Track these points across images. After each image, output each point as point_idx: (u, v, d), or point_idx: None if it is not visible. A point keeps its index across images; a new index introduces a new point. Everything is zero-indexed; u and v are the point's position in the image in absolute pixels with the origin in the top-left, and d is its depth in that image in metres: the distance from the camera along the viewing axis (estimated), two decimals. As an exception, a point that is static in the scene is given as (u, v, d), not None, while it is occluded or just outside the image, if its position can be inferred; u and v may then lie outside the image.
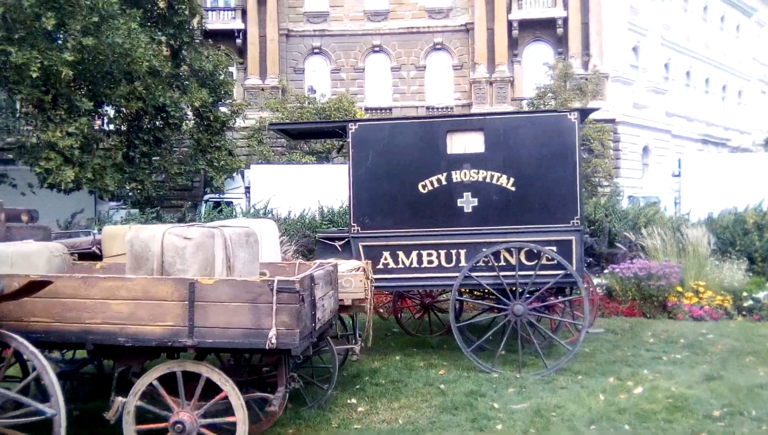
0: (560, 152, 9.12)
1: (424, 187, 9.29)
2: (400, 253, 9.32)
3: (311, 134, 10.79)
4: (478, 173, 9.24)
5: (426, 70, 41.13)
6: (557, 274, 8.95)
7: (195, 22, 25.51)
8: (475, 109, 39.00)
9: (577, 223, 9.05)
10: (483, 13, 39.59)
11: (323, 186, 22.07)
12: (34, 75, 16.63)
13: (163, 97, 22.20)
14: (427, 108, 40.64)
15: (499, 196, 9.21)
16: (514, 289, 9.03)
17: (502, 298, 9.19)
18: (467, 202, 9.24)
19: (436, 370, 9.11)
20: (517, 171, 9.18)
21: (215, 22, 40.83)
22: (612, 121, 36.00)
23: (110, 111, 22.21)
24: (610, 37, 38.37)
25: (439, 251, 9.28)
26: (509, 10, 39.30)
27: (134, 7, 22.75)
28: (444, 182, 9.27)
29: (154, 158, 23.93)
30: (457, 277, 9.09)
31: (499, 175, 9.20)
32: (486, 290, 10.03)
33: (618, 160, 36.68)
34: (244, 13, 40.73)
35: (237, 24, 40.69)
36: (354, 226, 9.38)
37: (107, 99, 20.12)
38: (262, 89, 39.20)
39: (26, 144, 18.30)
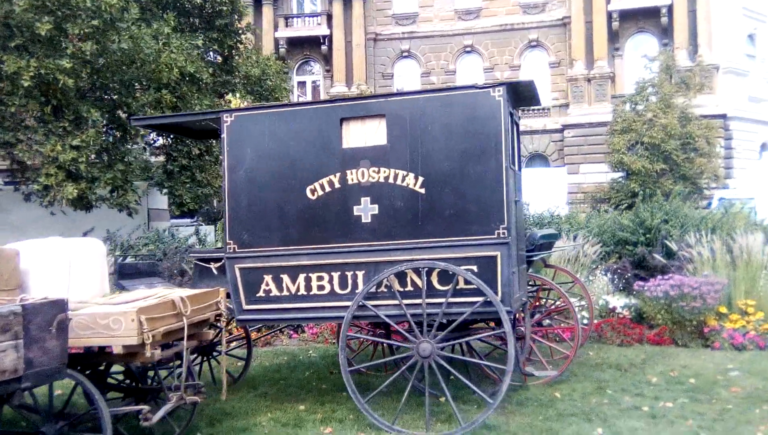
0: (482, 141, 6.91)
1: (313, 191, 7.27)
2: (285, 277, 7.32)
3: (184, 131, 8.97)
4: (378, 172, 7.14)
5: (520, 69, 38.54)
6: (476, 302, 6.72)
7: (243, 24, 24.17)
8: (572, 111, 36.12)
9: (503, 233, 6.79)
10: (581, 5, 36.66)
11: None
12: (26, 84, 15.60)
13: (200, 105, 20.95)
14: (522, 110, 37.97)
15: (404, 201, 7.08)
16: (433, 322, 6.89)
17: (406, 334, 7.06)
18: (365, 210, 7.15)
19: (324, 427, 7.05)
20: (428, 168, 7.03)
21: (300, 29, 39.94)
22: (723, 116, 32.33)
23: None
24: (722, 25, 34.52)
25: (332, 274, 7.23)
26: (609, 0, 36.16)
27: (168, 10, 21.78)
28: (337, 185, 7.23)
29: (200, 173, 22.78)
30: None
31: (404, 173, 7.07)
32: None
33: (730, 159, 32.86)
34: (329, 18, 39.56)
35: (322, 30, 39.57)
36: (230, 244, 7.47)
37: (128, 108, 18.99)
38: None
39: (23, 160, 17.35)
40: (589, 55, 36.48)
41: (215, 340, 9.09)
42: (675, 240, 12.91)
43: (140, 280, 8.21)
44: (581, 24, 36.69)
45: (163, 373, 7.39)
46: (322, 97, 40.39)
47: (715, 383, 8.33)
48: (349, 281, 7.16)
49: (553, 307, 9.68)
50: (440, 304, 6.77)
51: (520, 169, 8.17)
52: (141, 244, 15.25)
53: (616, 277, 13.35)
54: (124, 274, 8.08)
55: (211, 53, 24.18)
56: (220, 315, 6.69)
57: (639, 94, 31.51)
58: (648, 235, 14.10)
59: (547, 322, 10.01)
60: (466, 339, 7.60)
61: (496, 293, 6.77)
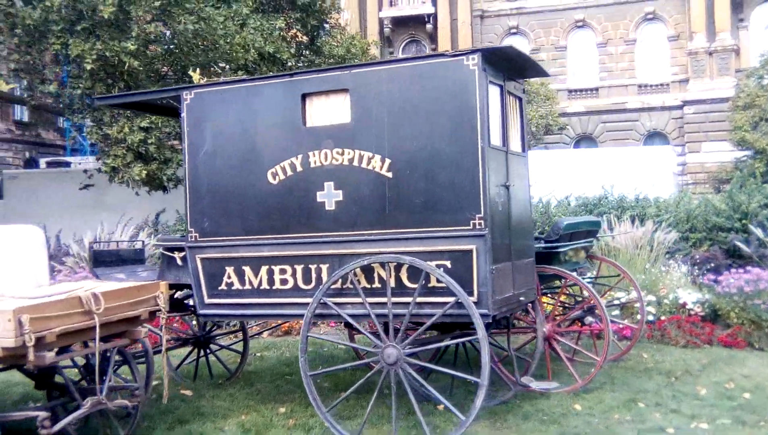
0: (454, 117, 5.98)
1: (274, 175, 6.55)
2: (247, 270, 6.64)
3: (147, 108, 8.35)
4: (342, 154, 6.33)
5: (636, 43, 36.36)
6: (447, 303, 5.82)
7: (328, 3, 23.61)
8: (692, 86, 33.73)
9: (480, 224, 5.85)
10: (701, -28, 34.13)
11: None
12: (88, 67, 15.61)
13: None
14: (639, 86, 35.88)
15: (370, 186, 6.24)
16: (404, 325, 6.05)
17: (372, 338, 6.24)
18: (329, 197, 6.37)
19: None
20: (395, 149, 6.16)
21: (405, 8, 39.15)
22: None
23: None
24: None
25: (295, 267, 6.48)
26: (733, -35, 33.56)
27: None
28: (299, 168, 6.47)
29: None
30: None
31: (370, 155, 6.23)
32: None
33: None
34: (435, -3, 38.53)
35: (427, 8, 38.65)
36: (191, 233, 6.85)
37: (203, 90, 18.81)
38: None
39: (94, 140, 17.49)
40: (711, 27, 33.94)
41: (212, 333, 8.64)
42: (768, 227, 11.43)
43: (121, 268, 7.73)
44: (702, -7, 34.20)
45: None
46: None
47: (775, 401, 7.08)
48: (313, 275, 6.41)
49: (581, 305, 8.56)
50: (407, 304, 5.91)
51: (525, 150, 7.16)
52: None
53: (696, 268, 11.97)
54: (99, 262, 7.61)
55: (296, 33, 23.83)
56: (157, 311, 6.06)
57: (765, 67, 28.95)
58: (744, 221, 12.64)
59: (589, 319, 8.90)
60: (438, 345, 6.70)
61: (471, 293, 5.85)
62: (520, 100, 7.05)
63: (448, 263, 5.95)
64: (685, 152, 33.79)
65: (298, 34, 24.46)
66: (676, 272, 11.49)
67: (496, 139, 6.28)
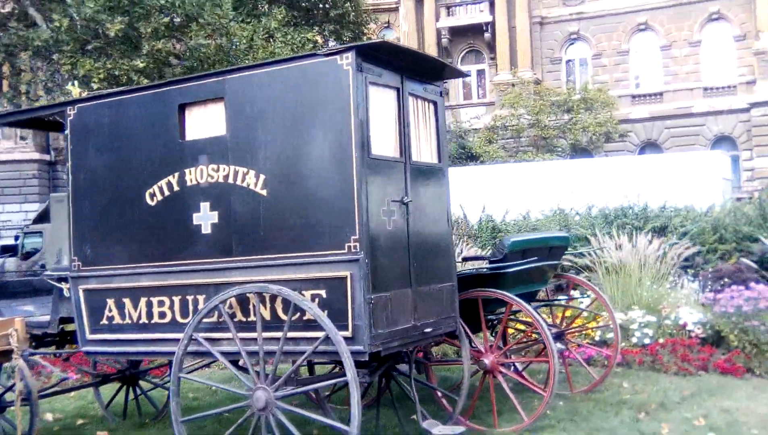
0: (328, 125, 5.22)
1: (152, 196, 5.89)
2: (127, 302, 5.98)
3: (32, 124, 7.74)
4: (217, 171, 5.63)
5: (701, 45, 34.46)
6: (318, 339, 5.04)
7: (361, 14, 23.10)
8: (759, 88, 31.81)
9: (355, 247, 5.06)
10: (769, -33, 32.17)
11: (523, 188, 19.04)
12: (95, 86, 15.39)
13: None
14: (705, 89, 34.06)
15: (245, 206, 5.52)
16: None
17: (243, 379, 5.50)
18: (205, 219, 5.67)
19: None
20: (269, 164, 5.43)
21: (462, 17, 38.34)
22: None
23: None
24: None
25: (173, 298, 5.79)
26: (803, -40, 31.50)
27: (279, 4, 21.28)
28: (176, 188, 5.79)
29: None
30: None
31: (244, 171, 5.51)
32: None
33: None
34: (492, 4, 37.46)
35: (485, 16, 37.69)
36: (75, 261, 6.24)
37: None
38: (513, 84, 35.34)
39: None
40: (779, 24, 31.94)
41: (140, 368, 8.02)
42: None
43: (32, 299, 7.22)
44: (770, -11, 32.23)
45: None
46: (487, 88, 38.58)
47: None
48: (191, 307, 5.71)
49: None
50: (278, 340, 5.16)
51: (442, 160, 6.29)
52: None
53: (710, 283, 10.79)
54: (4, 293, 7.10)
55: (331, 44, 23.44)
56: (9, 351, 5.46)
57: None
58: (774, 230, 11.48)
59: (558, 346, 7.94)
60: (309, 388, 5.88)
61: (344, 327, 5.06)
62: (435, 103, 6.18)
63: (323, 293, 5.18)
64: (753, 157, 31.81)
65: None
66: (686, 289, 10.37)
67: (385, 149, 5.46)
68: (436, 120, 6.16)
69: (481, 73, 39.30)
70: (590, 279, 9.91)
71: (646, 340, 9.22)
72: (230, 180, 5.55)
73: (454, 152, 33.08)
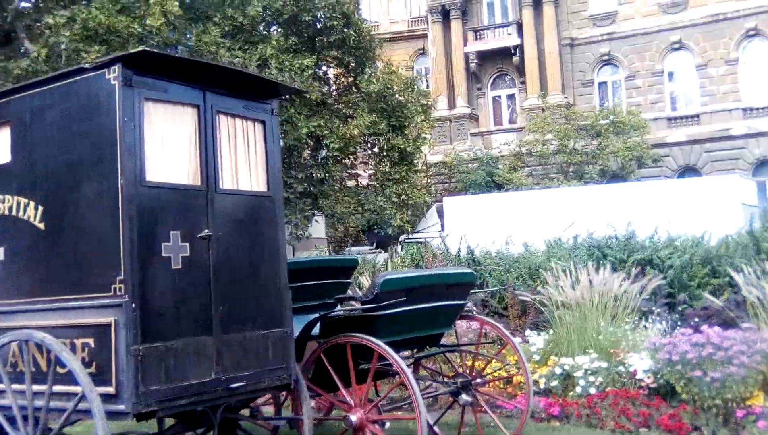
0: (94, 149, 4.55)
1: (-49, 232, 5.29)
2: None
3: None
4: (3, 202, 5.01)
5: (738, 63, 32.97)
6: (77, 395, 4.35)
7: (360, 38, 22.43)
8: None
9: (120, 290, 4.36)
10: (808, -20, 30.70)
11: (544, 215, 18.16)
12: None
13: (306, 127, 19.56)
14: (744, 110, 32.53)
15: (27, 241, 4.90)
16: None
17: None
18: (-8, 256, 5.05)
19: None
20: (48, 193, 4.80)
21: (490, 41, 37.51)
22: None
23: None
24: None
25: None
26: None
27: (276, 29, 20.93)
28: (-32, 222, 5.19)
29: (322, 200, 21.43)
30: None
31: (26, 202, 4.88)
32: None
33: None
34: (519, 27, 36.60)
35: (513, 40, 36.77)
36: None
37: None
38: (543, 109, 34.32)
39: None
40: (821, 39, 30.38)
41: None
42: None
43: None
44: (811, 3, 30.72)
45: None
46: (518, 112, 37.62)
47: None
48: (-15, 356, 5.07)
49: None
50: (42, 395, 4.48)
51: (272, 188, 5.51)
52: None
53: (680, 323, 9.72)
54: None
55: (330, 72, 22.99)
56: None
57: None
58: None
59: (463, 398, 7.06)
60: None
61: (108, 382, 4.35)
62: (264, 123, 5.44)
63: (92, 341, 4.49)
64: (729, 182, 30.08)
65: (342, 73, 23.55)
66: (649, 330, 9.33)
67: (175, 176, 4.75)
68: (265, 142, 5.41)
69: (511, 97, 38.38)
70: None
71: (592, 390, 8.25)
72: (14, 212, 4.92)
73: (481, 181, 32.28)
